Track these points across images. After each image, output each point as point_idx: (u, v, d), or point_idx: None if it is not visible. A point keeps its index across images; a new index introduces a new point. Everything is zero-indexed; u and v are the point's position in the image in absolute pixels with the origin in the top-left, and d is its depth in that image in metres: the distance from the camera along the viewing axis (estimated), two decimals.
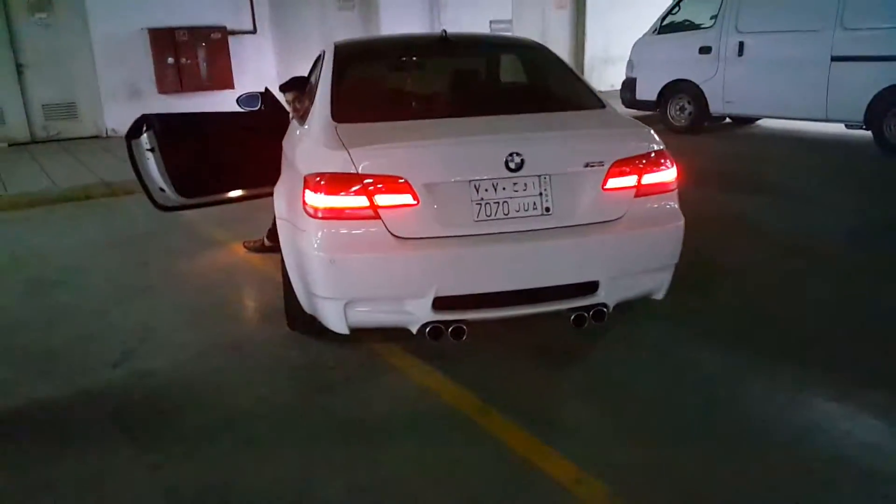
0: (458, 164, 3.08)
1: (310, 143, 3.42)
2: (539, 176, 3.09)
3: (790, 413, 3.01)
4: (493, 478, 2.65)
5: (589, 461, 2.70)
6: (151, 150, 4.83)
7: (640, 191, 3.23)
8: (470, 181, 3.05)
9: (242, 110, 5.43)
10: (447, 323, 3.09)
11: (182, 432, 3.02)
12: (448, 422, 3.03)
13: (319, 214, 3.05)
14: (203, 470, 2.76)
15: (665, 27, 10.74)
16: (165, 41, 11.52)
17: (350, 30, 13.05)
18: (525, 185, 3.09)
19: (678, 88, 10.51)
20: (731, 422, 2.97)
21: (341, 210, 3.03)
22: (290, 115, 5.39)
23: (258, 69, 12.17)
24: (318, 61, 4.81)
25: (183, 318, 4.24)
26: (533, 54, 4.22)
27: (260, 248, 5.43)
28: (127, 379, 3.50)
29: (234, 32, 12.03)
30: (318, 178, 3.06)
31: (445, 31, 4.01)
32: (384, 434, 2.95)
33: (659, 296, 3.42)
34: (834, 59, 8.91)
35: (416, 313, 3.08)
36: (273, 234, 5.33)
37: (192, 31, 11.61)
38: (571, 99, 3.73)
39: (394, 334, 3.47)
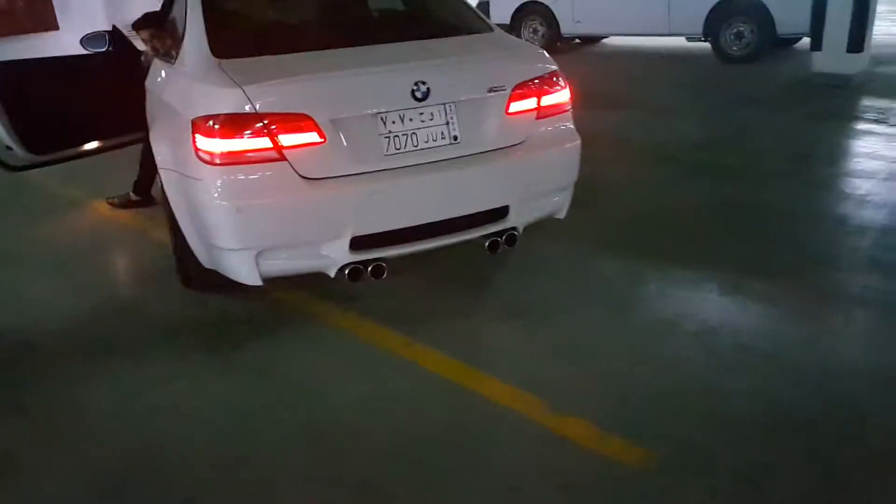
0: (363, 96, 2.94)
1: (191, 83, 3.15)
2: (444, 104, 3.02)
3: (692, 307, 3.23)
4: (438, 407, 2.66)
5: (521, 380, 2.77)
6: None
7: (540, 113, 3.24)
8: (376, 114, 2.93)
9: (89, 52, 4.91)
10: (366, 263, 3.01)
11: (89, 409, 2.79)
12: (377, 359, 2.99)
13: (217, 161, 2.83)
14: (126, 441, 2.57)
15: None
16: None
17: None
18: (432, 114, 3.01)
19: (530, 11, 10.63)
20: (643, 321, 3.15)
21: (241, 153, 2.82)
22: (145, 56, 4.96)
23: (83, 6, 11.04)
24: None
25: (59, 286, 3.88)
26: None
27: (126, 204, 5.04)
28: (8, 355, 3.17)
29: None
30: (209, 121, 2.84)
31: None
32: (316, 381, 2.87)
33: (561, 215, 3.50)
34: None
35: (334, 256, 2.97)
36: (140, 187, 4.98)
37: None
38: (459, 24, 3.65)
39: (299, 280, 3.35)
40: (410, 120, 2.98)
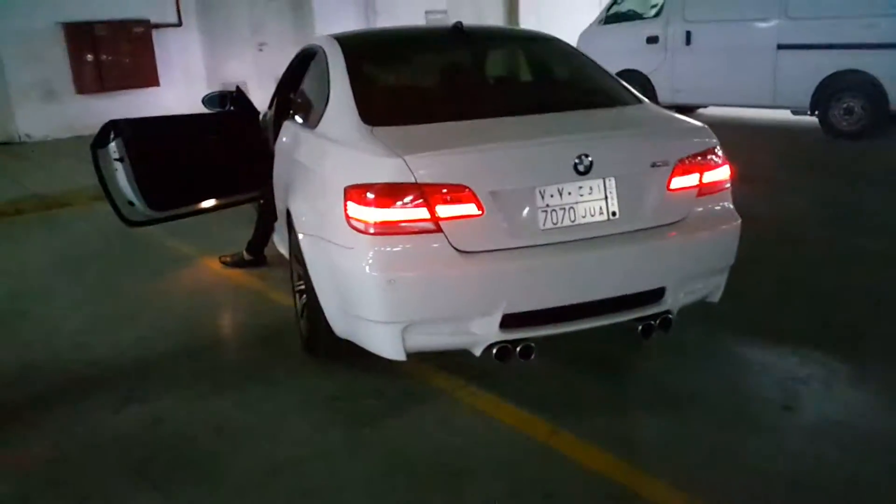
0: (524, 168, 2.81)
1: (341, 150, 3.07)
2: (604, 178, 2.86)
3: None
4: None
5: (683, 479, 2.51)
6: (120, 159, 4.33)
7: (702, 190, 3.06)
8: (535, 187, 2.79)
9: (211, 112, 4.99)
10: (514, 342, 2.83)
11: (224, 484, 2.64)
12: (523, 448, 2.77)
13: (371, 230, 2.73)
14: None
15: (610, 17, 10.74)
16: (82, 36, 10.70)
17: (281, 23, 12.50)
18: (591, 188, 2.85)
19: (627, 79, 10.48)
20: (811, 421, 2.85)
21: (397, 223, 2.71)
22: (264, 116, 5.01)
23: (185, 65, 11.51)
24: (305, 60, 4.45)
25: (180, 349, 3.79)
26: (551, 47, 3.98)
27: (239, 263, 5.01)
28: (138, 424, 3.07)
29: (157, 26, 11.30)
30: (365, 190, 2.74)
31: (461, 24, 3.72)
32: (462, 467, 2.66)
33: (715, 298, 3.26)
34: (780, 47, 9.10)
35: (482, 333, 2.80)
36: (254, 246, 4.95)
37: (112, 24, 10.81)
38: (609, 94, 3.52)
39: (425, 354, 3.18)
40: (569, 194, 2.83)
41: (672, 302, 3.03)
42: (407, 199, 2.68)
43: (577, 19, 11.84)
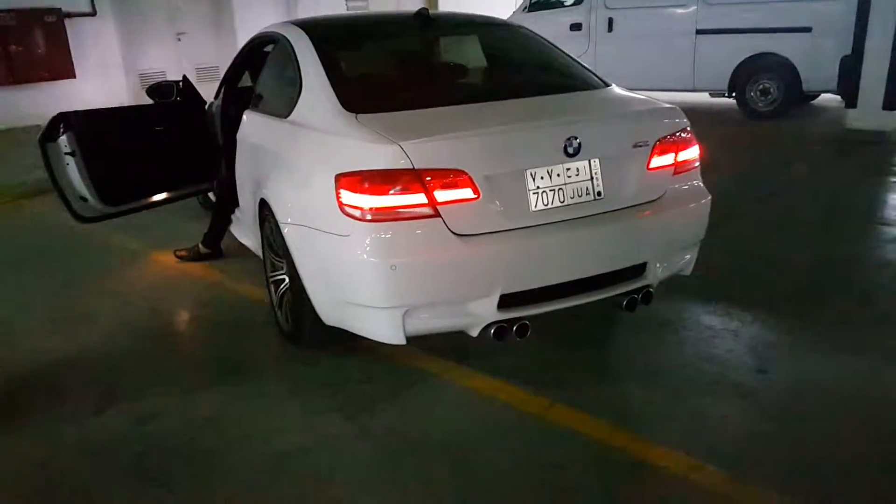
0: (517, 151, 2.87)
1: (326, 138, 3.06)
2: (590, 160, 2.97)
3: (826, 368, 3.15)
4: (608, 477, 2.53)
5: (686, 440, 2.66)
6: (71, 153, 4.16)
7: (677, 168, 3.21)
8: (526, 169, 2.87)
9: (161, 102, 4.83)
10: (511, 321, 2.91)
11: (231, 476, 2.61)
12: (523, 423, 2.85)
13: (368, 217, 2.73)
14: None
15: (534, 5, 10.93)
16: None
17: (199, 12, 12.12)
18: (577, 170, 2.95)
19: None
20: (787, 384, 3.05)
21: (394, 209, 2.73)
22: (209, 107, 4.91)
23: (102, 55, 11.00)
24: (259, 48, 4.39)
25: (151, 346, 3.69)
26: (516, 33, 4.06)
27: (196, 256, 4.89)
28: (124, 424, 2.98)
29: (70, 15, 10.73)
30: (359, 176, 2.75)
31: (426, 9, 3.75)
32: (468, 448, 2.72)
33: (688, 271, 3.42)
34: (699, 32, 9.50)
35: (481, 314, 2.86)
36: (211, 238, 4.85)
37: (21, 13, 10.21)
38: (581, 78, 3.63)
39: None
40: (558, 175, 2.92)
41: (652, 276, 3.17)
42: (404, 185, 2.70)
43: (496, 9, 11.95)
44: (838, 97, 8.85)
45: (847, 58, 8.06)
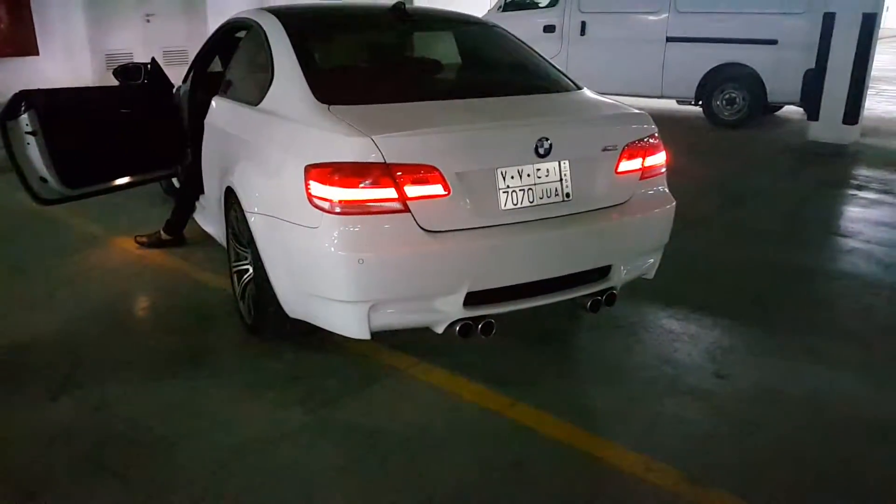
0: (489, 149, 2.88)
1: (297, 128, 3.03)
2: (560, 161, 2.99)
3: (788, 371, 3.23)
4: (565, 476, 2.55)
5: (644, 441, 2.70)
6: (33, 132, 4.06)
7: (644, 173, 3.25)
8: (497, 168, 2.88)
9: (126, 84, 4.74)
10: (477, 319, 2.92)
11: (186, 467, 2.58)
12: (485, 422, 2.87)
13: (336, 209, 2.72)
14: None
15: (509, 5, 10.96)
16: None
17: None
18: (547, 171, 2.97)
19: None
20: (745, 390, 3.12)
21: (364, 202, 2.72)
22: (177, 90, 4.85)
23: (67, 34, 10.70)
24: (229, 34, 4.34)
25: (109, 333, 3.62)
26: (491, 32, 4.06)
27: (157, 243, 4.81)
28: (80, 411, 2.92)
29: None
30: (329, 169, 2.73)
31: (402, 4, 3.73)
32: (429, 447, 2.72)
33: (650, 275, 3.48)
34: (669, 39, 9.63)
35: (447, 311, 2.87)
36: (173, 225, 4.77)
37: None
38: (554, 80, 3.65)
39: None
40: (528, 175, 2.93)
41: (617, 279, 3.21)
42: (375, 179, 2.69)
43: (470, 7, 11.96)
44: (801, 109, 9.03)
45: (811, 71, 8.23)
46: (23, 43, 10.31)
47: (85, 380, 3.16)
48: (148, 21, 11.64)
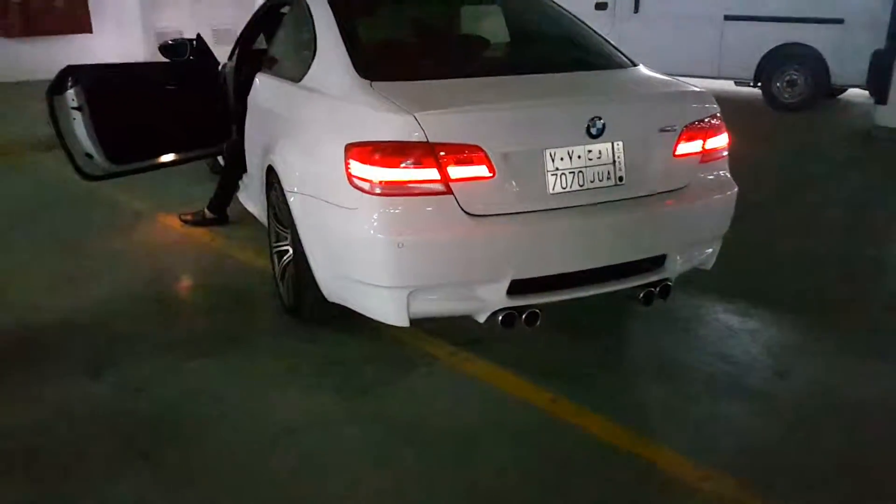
0: (537, 129, 2.73)
1: (338, 105, 2.92)
2: (613, 142, 2.81)
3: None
4: (614, 480, 2.40)
5: (698, 445, 2.53)
6: (78, 108, 4.04)
7: (704, 157, 3.05)
8: (545, 149, 2.72)
9: (173, 61, 4.70)
10: (521, 309, 2.77)
11: (219, 453, 2.51)
12: (523, 415, 2.73)
13: (377, 190, 2.60)
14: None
15: None
16: None
17: None
18: (599, 153, 2.79)
19: None
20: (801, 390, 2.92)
21: (405, 184, 2.59)
22: (223, 67, 4.79)
23: (120, 12, 10.84)
24: (274, 10, 4.25)
25: (151, 312, 3.58)
26: (543, 6, 3.88)
27: (201, 221, 4.78)
28: (117, 391, 2.88)
29: None
30: (370, 147, 2.61)
31: None
32: (470, 440, 2.59)
33: (708, 266, 3.28)
34: (727, 17, 9.24)
35: (490, 299, 2.73)
36: (217, 204, 4.73)
37: None
38: (608, 56, 3.47)
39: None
40: (578, 157, 2.77)
41: (671, 269, 3.03)
42: (416, 159, 2.57)
43: None
44: (867, 93, 8.59)
45: (879, 52, 7.79)
46: (77, 21, 10.48)
47: (121, 358, 3.12)
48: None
